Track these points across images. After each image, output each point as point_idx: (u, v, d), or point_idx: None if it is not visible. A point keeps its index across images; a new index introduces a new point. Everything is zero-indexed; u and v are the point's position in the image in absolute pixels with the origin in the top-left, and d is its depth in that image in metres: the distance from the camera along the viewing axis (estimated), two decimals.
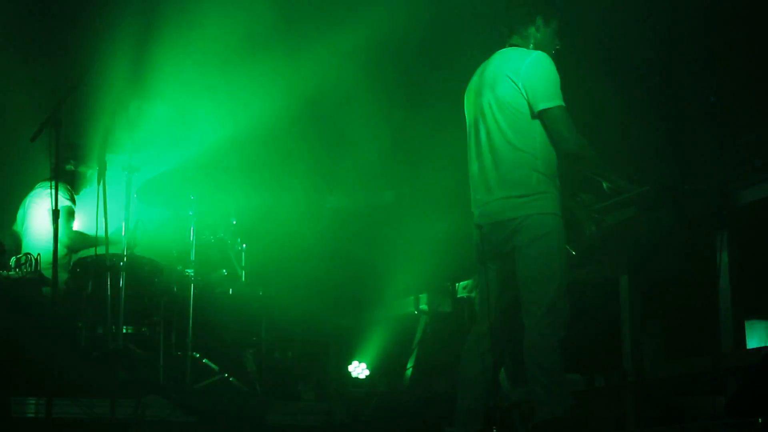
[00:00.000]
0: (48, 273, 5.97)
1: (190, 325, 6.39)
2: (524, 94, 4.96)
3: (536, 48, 5.08)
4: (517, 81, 4.98)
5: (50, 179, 5.84)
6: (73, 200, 7.08)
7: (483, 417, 5.08)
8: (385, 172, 8.75)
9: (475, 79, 5.27)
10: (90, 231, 6.52)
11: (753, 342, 5.32)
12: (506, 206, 4.99)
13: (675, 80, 7.12)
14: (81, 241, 6.94)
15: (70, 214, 6.99)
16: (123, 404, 5.65)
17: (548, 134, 4.95)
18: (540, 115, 4.94)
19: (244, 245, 6.96)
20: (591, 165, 5.05)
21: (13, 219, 7.19)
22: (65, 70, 7.34)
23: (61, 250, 6.61)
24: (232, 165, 7.26)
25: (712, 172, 5.20)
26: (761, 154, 5.03)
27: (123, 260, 6.22)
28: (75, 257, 6.82)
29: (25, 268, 6.16)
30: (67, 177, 7.13)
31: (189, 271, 6.53)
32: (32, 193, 7.10)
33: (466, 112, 5.31)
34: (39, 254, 6.34)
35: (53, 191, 5.47)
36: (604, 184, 5.10)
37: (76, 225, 7.07)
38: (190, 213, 6.70)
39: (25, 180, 7.32)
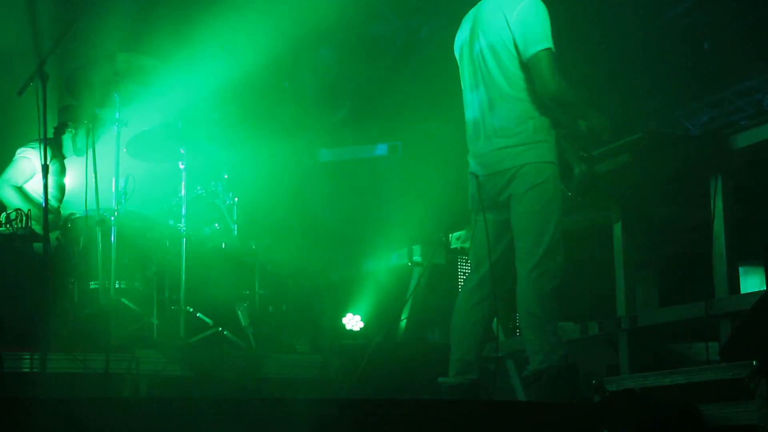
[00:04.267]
0: (38, 228, 5.94)
1: (183, 279, 6.38)
2: (516, 39, 4.90)
3: None
4: (510, 26, 4.92)
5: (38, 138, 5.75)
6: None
7: (477, 367, 5.09)
8: (378, 125, 8.71)
9: (465, 26, 5.21)
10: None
11: (747, 287, 5.32)
12: (503, 155, 4.95)
13: (669, 28, 7.07)
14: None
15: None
16: (117, 359, 5.64)
17: (533, 78, 4.89)
18: (528, 60, 4.89)
19: (236, 199, 6.92)
20: (573, 111, 4.97)
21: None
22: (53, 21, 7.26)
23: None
24: (223, 118, 7.20)
25: (706, 118, 5.17)
26: (754, 100, 5.00)
27: (114, 215, 6.18)
28: (65, 213, 6.77)
29: (16, 223, 6.13)
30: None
31: (180, 225, 6.51)
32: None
33: (458, 60, 5.26)
34: (30, 210, 6.30)
35: (41, 146, 5.42)
36: (581, 124, 5.00)
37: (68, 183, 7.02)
38: (181, 167, 6.66)
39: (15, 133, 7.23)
